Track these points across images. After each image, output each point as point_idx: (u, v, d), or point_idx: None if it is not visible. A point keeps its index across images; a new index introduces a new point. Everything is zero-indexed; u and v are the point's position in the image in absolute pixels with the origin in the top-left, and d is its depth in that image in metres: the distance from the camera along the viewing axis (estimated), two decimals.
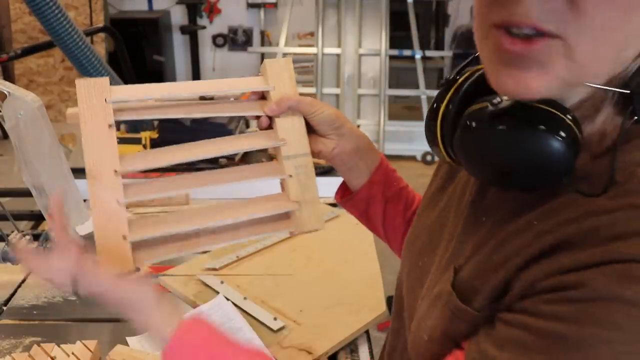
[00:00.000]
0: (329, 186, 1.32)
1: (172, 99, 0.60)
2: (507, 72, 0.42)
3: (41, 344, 0.83)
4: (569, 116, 0.42)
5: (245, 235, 0.58)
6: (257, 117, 0.66)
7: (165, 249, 0.56)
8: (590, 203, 0.41)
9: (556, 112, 0.42)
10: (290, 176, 0.59)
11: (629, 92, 0.41)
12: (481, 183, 0.53)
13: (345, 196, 0.77)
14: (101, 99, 0.55)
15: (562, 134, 0.41)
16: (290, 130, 0.61)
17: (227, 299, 0.96)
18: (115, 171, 0.53)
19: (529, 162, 0.42)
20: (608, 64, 0.41)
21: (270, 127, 0.65)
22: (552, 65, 0.40)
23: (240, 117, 1.61)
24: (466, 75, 0.52)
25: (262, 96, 0.65)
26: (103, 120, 0.55)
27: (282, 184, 0.62)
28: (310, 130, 0.66)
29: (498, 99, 0.44)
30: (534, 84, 0.41)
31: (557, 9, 0.38)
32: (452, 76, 0.52)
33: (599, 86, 0.42)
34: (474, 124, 0.45)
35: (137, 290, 0.53)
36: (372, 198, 0.74)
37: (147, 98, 0.58)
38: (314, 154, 0.67)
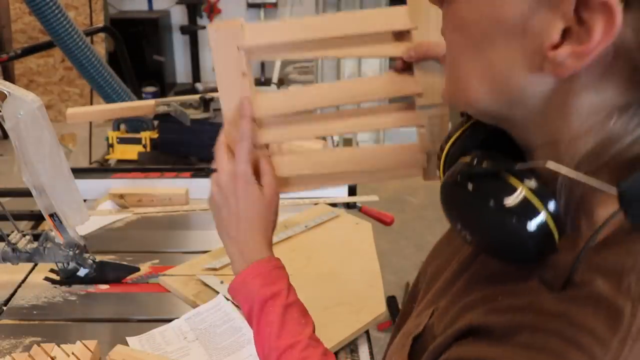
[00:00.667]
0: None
1: (307, 40, 0.57)
2: None
3: (41, 344, 0.83)
4: (549, 205, 0.39)
5: (382, 179, 0.62)
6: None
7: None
8: (542, 295, 0.39)
9: (535, 199, 0.39)
10: (423, 126, 0.58)
11: (616, 191, 0.37)
12: None
13: None
14: (233, 48, 0.55)
15: (525, 220, 0.38)
16: (430, 80, 0.57)
17: (227, 299, 0.97)
18: (253, 118, 0.57)
19: (485, 234, 0.41)
20: (477, 95, 0.42)
21: (408, 67, 0.62)
22: (445, 78, 0.46)
23: None
24: None
25: (403, 32, 0.60)
26: (236, 69, 0.55)
27: (417, 135, 0.61)
28: None
29: (479, 158, 0.43)
30: (444, 90, 0.46)
31: (443, 29, 0.44)
32: None
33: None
34: (450, 178, 0.44)
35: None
36: None
37: (281, 42, 0.57)
38: None
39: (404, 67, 0.63)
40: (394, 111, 0.60)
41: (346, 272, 1.06)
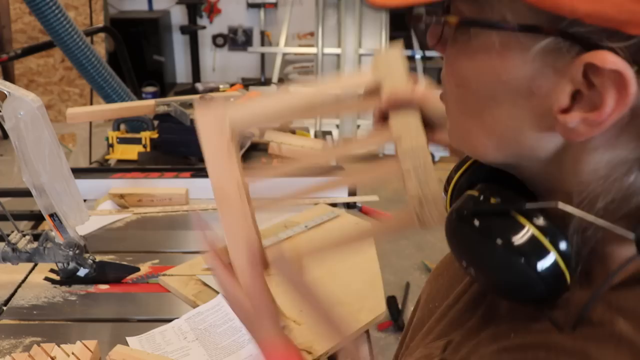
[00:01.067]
0: None
1: (288, 113, 0.62)
2: None
3: (41, 344, 0.83)
4: (560, 246, 0.37)
5: (375, 237, 0.64)
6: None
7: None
8: (550, 333, 0.38)
9: (545, 241, 0.37)
10: (408, 172, 0.57)
11: (633, 237, 0.35)
12: None
13: None
14: (219, 130, 0.60)
15: (535, 262, 0.37)
16: (406, 125, 0.59)
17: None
18: (237, 185, 0.59)
19: (491, 273, 0.40)
20: (484, 148, 0.41)
21: (385, 120, 0.63)
22: (449, 125, 0.45)
23: None
24: None
25: (376, 90, 0.62)
26: (222, 147, 0.60)
27: (403, 180, 0.60)
28: (427, 122, 0.62)
29: (487, 193, 0.41)
30: (449, 135, 0.45)
31: (444, 77, 0.43)
32: None
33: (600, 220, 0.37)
34: (456, 212, 0.42)
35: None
36: None
37: (265, 124, 0.62)
38: (437, 142, 0.65)
39: (381, 120, 0.64)
40: (376, 166, 0.61)
41: (346, 272, 1.06)
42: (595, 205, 0.37)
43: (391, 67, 0.60)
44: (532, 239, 0.37)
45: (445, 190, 0.51)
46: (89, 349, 0.82)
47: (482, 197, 0.41)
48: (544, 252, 0.37)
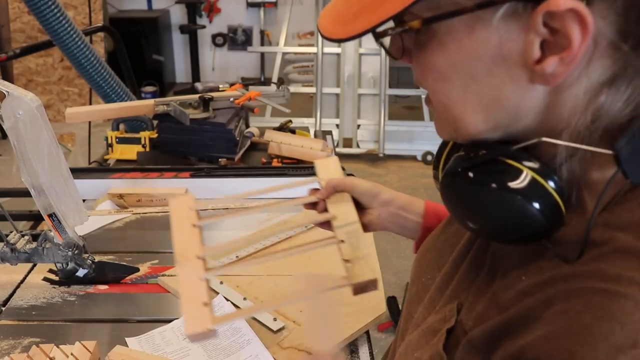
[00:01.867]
0: None
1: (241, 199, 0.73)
2: None
3: (40, 345, 0.83)
4: (544, 175, 0.41)
5: (309, 295, 0.69)
6: (313, 205, 0.76)
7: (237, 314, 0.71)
8: (561, 267, 0.40)
9: (537, 176, 0.41)
10: (343, 241, 0.68)
11: (612, 153, 0.39)
12: None
13: (417, 247, 0.79)
14: (187, 208, 0.71)
15: (532, 196, 0.40)
16: (340, 206, 0.73)
17: (227, 299, 0.96)
18: (197, 256, 0.66)
19: (493, 219, 0.42)
20: (478, 122, 0.43)
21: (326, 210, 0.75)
22: (438, 120, 0.48)
23: (239, 118, 1.60)
24: None
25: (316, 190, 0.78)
26: (188, 221, 0.70)
27: (339, 250, 0.70)
28: (358, 207, 0.74)
29: (474, 150, 0.44)
30: (439, 132, 0.49)
31: (420, 80, 0.46)
32: None
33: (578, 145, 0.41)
34: (449, 172, 0.45)
35: None
36: None
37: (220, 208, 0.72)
38: (366, 226, 0.76)
39: (324, 209, 0.74)
40: (316, 236, 0.71)
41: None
42: (576, 134, 0.41)
43: (329, 169, 0.80)
44: (525, 177, 0.41)
45: (436, 167, 0.54)
46: (88, 349, 0.82)
47: (469, 154, 0.44)
48: (538, 187, 0.40)
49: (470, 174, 0.43)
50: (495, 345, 0.42)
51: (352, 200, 0.74)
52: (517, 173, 0.41)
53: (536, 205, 0.40)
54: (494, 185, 0.41)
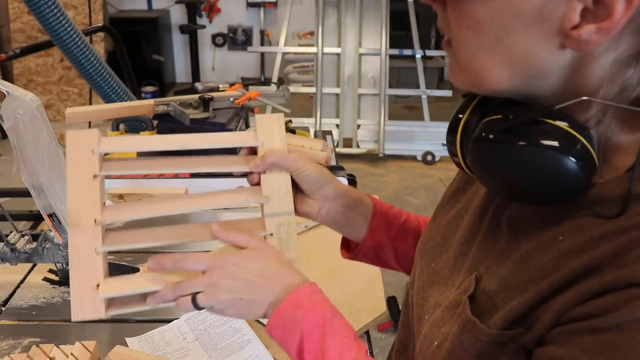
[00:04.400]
0: None
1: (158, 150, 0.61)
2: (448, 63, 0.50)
3: (40, 345, 0.83)
4: (582, 133, 0.42)
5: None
6: (244, 175, 0.65)
7: (135, 305, 0.59)
8: (609, 223, 0.41)
9: (568, 129, 0.42)
10: (272, 234, 0.60)
11: None
12: None
13: (350, 250, 0.75)
14: (88, 150, 0.57)
15: (575, 153, 0.41)
16: (276, 187, 0.61)
17: None
18: (95, 220, 0.56)
19: (535, 179, 0.43)
20: (501, 77, 0.44)
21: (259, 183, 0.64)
22: (455, 67, 0.48)
23: (239, 118, 1.60)
24: None
25: (254, 151, 0.64)
26: (88, 170, 0.56)
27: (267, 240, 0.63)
28: (298, 190, 0.65)
29: (512, 112, 0.45)
30: (452, 77, 0.48)
31: (448, 23, 0.46)
32: None
33: (610, 103, 0.42)
34: (484, 135, 0.45)
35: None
36: (378, 244, 0.72)
37: (133, 150, 0.60)
38: (302, 215, 0.67)
39: (258, 181, 0.64)
40: (242, 221, 0.62)
41: (346, 272, 1.06)
42: (605, 99, 0.42)
43: (272, 131, 0.62)
44: (569, 136, 0.42)
45: (451, 136, 0.53)
46: (88, 349, 0.82)
47: (508, 115, 0.45)
48: (581, 146, 0.42)
49: (514, 135, 0.43)
50: (548, 306, 0.42)
51: (292, 182, 0.63)
52: (562, 132, 0.42)
53: (580, 163, 0.41)
54: (542, 144, 0.42)
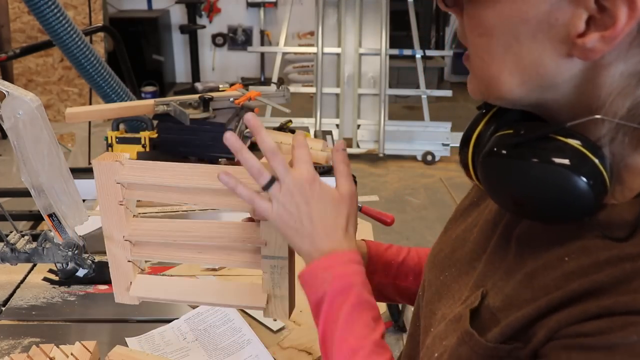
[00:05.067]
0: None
1: (176, 186, 0.66)
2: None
3: (40, 345, 0.83)
4: (595, 153, 0.41)
5: (220, 304, 0.74)
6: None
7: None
8: (616, 248, 0.41)
9: (581, 148, 0.41)
10: (265, 273, 0.65)
11: None
12: None
13: None
14: (112, 179, 0.65)
15: (585, 172, 0.41)
16: (274, 234, 0.63)
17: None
18: (124, 237, 0.67)
19: (543, 196, 0.42)
20: (511, 85, 0.45)
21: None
22: (471, 77, 0.49)
23: (239, 118, 1.60)
24: None
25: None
26: (114, 197, 0.65)
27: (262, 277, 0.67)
28: None
29: (524, 128, 0.45)
30: (470, 88, 0.49)
31: (464, 35, 0.47)
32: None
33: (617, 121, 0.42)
34: (496, 149, 0.45)
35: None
36: (378, 284, 0.72)
37: (154, 183, 0.66)
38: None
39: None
40: (245, 252, 0.66)
41: None
42: (614, 116, 0.42)
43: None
44: (580, 154, 0.41)
45: (463, 148, 0.52)
46: (88, 349, 0.82)
47: (519, 131, 0.45)
48: (592, 165, 0.41)
49: (524, 151, 0.43)
50: (544, 322, 0.42)
51: None
52: (573, 150, 0.41)
53: (590, 182, 0.41)
54: (552, 161, 0.41)
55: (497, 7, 0.43)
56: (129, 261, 0.68)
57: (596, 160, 0.41)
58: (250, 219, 0.66)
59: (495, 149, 0.45)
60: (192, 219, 1.28)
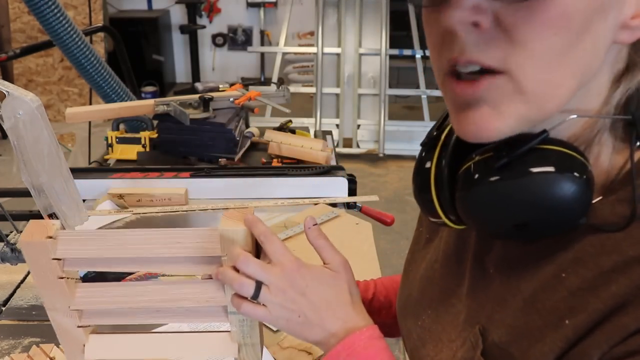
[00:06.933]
0: (328, 186, 1.32)
1: (117, 257, 0.61)
2: (463, 116, 0.41)
3: (40, 345, 0.83)
4: (578, 153, 0.40)
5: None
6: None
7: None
8: (613, 253, 0.39)
9: (567, 151, 0.40)
10: (233, 326, 0.61)
11: (630, 117, 0.40)
12: (484, 235, 0.50)
13: None
14: (47, 258, 0.58)
15: (577, 173, 0.39)
16: None
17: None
18: (69, 307, 0.61)
19: (548, 208, 0.40)
20: (568, 92, 0.39)
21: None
22: (503, 102, 0.39)
23: (239, 118, 1.60)
24: (447, 130, 0.48)
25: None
26: (52, 274, 0.59)
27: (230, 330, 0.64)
28: None
29: (503, 147, 0.41)
30: (491, 124, 0.40)
31: (495, 43, 0.37)
32: (434, 133, 0.49)
33: (601, 117, 0.42)
34: (480, 177, 0.42)
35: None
36: None
37: (94, 257, 0.61)
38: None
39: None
40: (208, 311, 0.62)
41: None
42: (597, 112, 0.41)
43: (236, 245, 0.57)
44: (568, 156, 0.40)
45: (422, 192, 0.50)
46: None
47: (500, 152, 0.41)
48: (583, 167, 0.40)
49: (518, 168, 0.40)
50: (577, 351, 0.40)
51: None
52: (561, 155, 0.40)
53: (585, 184, 0.40)
54: (548, 171, 0.39)
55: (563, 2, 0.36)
56: (79, 327, 0.63)
57: (583, 160, 0.40)
58: (211, 277, 0.61)
59: (480, 176, 0.42)
60: (193, 218, 1.28)
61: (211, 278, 0.59)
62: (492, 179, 0.41)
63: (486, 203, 0.42)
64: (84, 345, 0.63)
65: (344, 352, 0.53)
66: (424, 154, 0.49)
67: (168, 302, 0.61)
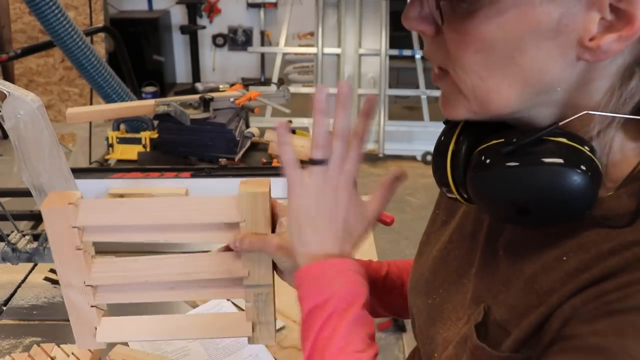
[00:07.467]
0: None
1: (137, 224, 0.60)
2: (440, 96, 0.48)
3: (41, 344, 0.83)
4: (587, 147, 0.42)
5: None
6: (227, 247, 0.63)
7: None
8: (616, 239, 0.41)
9: (574, 144, 0.41)
10: (249, 302, 0.62)
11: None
12: (496, 218, 0.52)
13: None
14: (67, 225, 0.58)
15: (583, 166, 0.41)
16: (256, 262, 0.60)
17: (227, 299, 0.96)
18: (84, 282, 0.60)
19: (550, 198, 0.41)
20: (511, 97, 0.43)
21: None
22: (451, 96, 0.46)
23: (239, 118, 1.60)
24: None
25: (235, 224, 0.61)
26: (70, 243, 0.58)
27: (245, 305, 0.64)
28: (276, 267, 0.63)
29: (514, 135, 0.43)
30: (447, 110, 0.47)
31: (438, 49, 0.44)
32: None
33: (605, 114, 0.42)
34: (489, 161, 0.44)
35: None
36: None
37: (114, 224, 0.60)
38: (280, 275, 0.64)
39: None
40: (223, 283, 0.62)
41: None
42: (607, 111, 0.42)
43: (255, 210, 0.58)
44: (576, 150, 0.41)
45: (439, 167, 0.50)
46: (88, 349, 0.82)
47: (511, 139, 0.43)
48: (590, 161, 0.41)
49: (522, 157, 0.42)
50: (557, 313, 0.42)
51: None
52: (568, 148, 0.41)
53: (590, 177, 0.41)
54: (552, 162, 0.41)
55: (501, 21, 0.40)
56: (92, 306, 0.62)
57: (590, 154, 0.41)
58: (227, 248, 0.62)
59: (489, 161, 0.44)
60: None
61: (227, 250, 0.60)
62: (498, 163, 0.43)
63: (490, 186, 0.44)
64: (96, 329, 0.63)
65: (336, 267, 0.53)
66: (447, 131, 0.51)
67: (184, 274, 0.61)
